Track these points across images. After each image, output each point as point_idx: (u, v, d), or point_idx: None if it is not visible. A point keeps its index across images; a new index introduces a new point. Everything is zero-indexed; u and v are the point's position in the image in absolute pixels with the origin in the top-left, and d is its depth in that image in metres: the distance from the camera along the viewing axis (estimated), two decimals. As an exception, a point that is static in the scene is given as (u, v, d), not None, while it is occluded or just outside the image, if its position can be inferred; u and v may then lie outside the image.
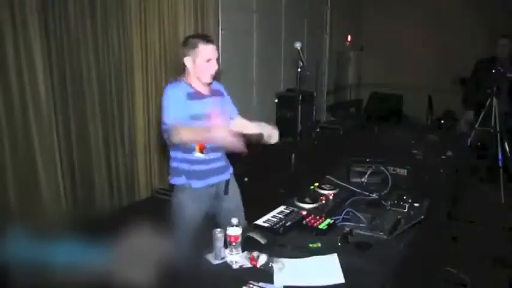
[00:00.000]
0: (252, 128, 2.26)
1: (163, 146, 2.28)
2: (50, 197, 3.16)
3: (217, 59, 2.16)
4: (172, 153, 2.27)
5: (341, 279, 1.51)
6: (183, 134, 1.99)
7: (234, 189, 2.42)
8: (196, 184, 2.21)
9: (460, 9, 6.73)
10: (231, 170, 2.39)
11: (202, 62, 2.09)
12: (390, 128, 6.67)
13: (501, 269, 2.96)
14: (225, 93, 2.37)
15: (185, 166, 2.21)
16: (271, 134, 2.25)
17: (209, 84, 2.22)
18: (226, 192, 2.34)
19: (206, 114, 2.07)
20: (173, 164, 2.28)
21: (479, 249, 3.27)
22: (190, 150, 2.17)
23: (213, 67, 2.12)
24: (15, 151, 2.96)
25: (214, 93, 2.26)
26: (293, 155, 4.15)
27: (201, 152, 2.17)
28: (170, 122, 2.02)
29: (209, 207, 2.32)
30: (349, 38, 7.55)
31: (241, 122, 2.33)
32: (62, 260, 2.17)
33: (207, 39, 2.12)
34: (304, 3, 6.54)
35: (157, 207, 3.86)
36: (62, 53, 3.26)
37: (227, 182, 2.34)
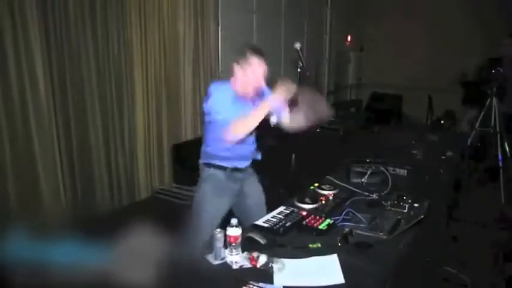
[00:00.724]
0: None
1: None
2: (50, 197, 3.16)
3: (265, 75, 2.19)
4: (209, 138, 2.29)
5: (341, 280, 1.51)
6: (237, 129, 2.04)
7: (258, 189, 2.44)
8: (226, 166, 2.26)
9: (460, 9, 6.72)
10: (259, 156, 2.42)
11: (251, 74, 2.14)
12: (390, 128, 6.68)
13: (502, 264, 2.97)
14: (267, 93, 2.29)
15: (220, 152, 2.25)
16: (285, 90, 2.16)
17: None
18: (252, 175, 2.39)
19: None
20: (206, 148, 2.31)
21: (479, 249, 3.27)
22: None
23: (260, 82, 2.16)
24: (15, 151, 2.96)
25: (258, 96, 2.24)
26: (293, 155, 4.15)
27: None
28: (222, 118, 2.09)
29: (234, 204, 2.34)
30: (349, 38, 7.55)
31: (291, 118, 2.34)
32: (62, 259, 2.17)
33: (260, 54, 2.17)
34: (304, 3, 6.54)
35: (157, 207, 3.87)
36: (62, 53, 3.26)
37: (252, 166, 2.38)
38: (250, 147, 2.35)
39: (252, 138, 2.34)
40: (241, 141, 2.17)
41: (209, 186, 2.28)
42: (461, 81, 5.69)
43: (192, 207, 2.31)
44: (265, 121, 2.20)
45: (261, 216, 2.05)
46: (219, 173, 2.27)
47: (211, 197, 2.26)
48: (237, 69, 2.17)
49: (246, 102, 2.19)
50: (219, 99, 2.13)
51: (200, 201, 2.29)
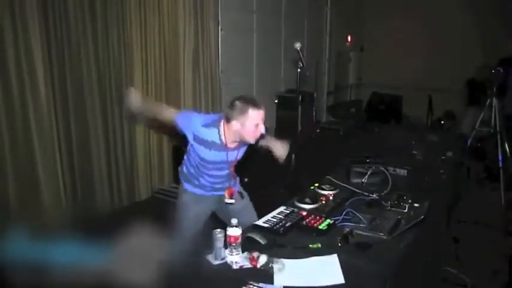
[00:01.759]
0: (264, 141, 2.31)
1: (177, 150, 2.36)
2: (50, 197, 3.16)
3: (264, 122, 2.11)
4: (187, 162, 2.31)
5: (341, 280, 1.51)
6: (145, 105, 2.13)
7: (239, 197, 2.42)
8: (201, 193, 2.30)
9: (460, 9, 6.72)
10: (237, 181, 2.39)
11: (252, 126, 2.01)
12: (390, 128, 6.67)
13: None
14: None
15: (195, 180, 2.28)
16: (281, 149, 2.32)
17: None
18: (242, 196, 2.38)
19: (219, 162, 2.16)
20: (184, 169, 2.34)
21: (479, 249, 3.27)
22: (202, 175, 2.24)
23: (261, 131, 2.07)
24: (15, 151, 2.96)
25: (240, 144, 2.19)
26: (293, 155, 4.15)
27: (231, 197, 2.22)
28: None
29: (215, 209, 2.38)
30: (349, 38, 7.55)
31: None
32: (62, 259, 2.17)
33: (257, 105, 2.04)
34: (304, 3, 6.54)
35: (157, 207, 3.86)
36: (62, 53, 3.26)
37: (238, 192, 2.36)
38: (224, 178, 2.29)
39: (226, 171, 2.26)
40: (215, 176, 2.22)
41: (187, 197, 2.31)
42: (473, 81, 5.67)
43: (175, 213, 2.33)
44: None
45: (250, 218, 2.08)
46: (196, 190, 2.30)
47: (191, 205, 2.29)
48: (236, 125, 2.02)
49: (224, 151, 2.13)
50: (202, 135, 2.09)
51: (180, 208, 2.32)
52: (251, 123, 2.00)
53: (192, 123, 2.08)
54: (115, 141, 3.77)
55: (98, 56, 3.52)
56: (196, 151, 2.14)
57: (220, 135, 2.07)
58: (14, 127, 2.96)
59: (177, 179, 4.20)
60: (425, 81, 6.89)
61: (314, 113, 6.08)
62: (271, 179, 2.39)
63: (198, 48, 4.36)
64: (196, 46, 4.34)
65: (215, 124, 2.08)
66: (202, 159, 2.15)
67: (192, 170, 2.27)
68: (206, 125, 2.07)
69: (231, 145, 2.12)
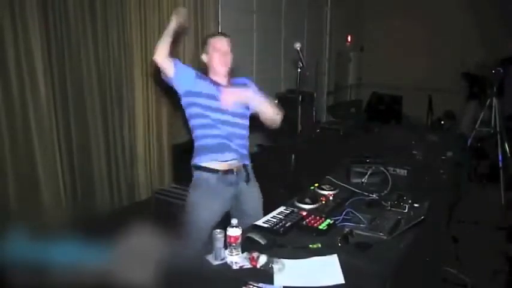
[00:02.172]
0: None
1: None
2: (50, 197, 3.16)
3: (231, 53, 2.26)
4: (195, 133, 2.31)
5: (341, 280, 1.51)
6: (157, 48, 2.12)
7: (255, 195, 2.38)
8: (216, 157, 2.22)
9: (460, 9, 6.72)
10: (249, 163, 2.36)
11: (214, 52, 2.22)
12: (390, 128, 6.67)
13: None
14: (250, 84, 2.42)
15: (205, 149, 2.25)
16: (269, 109, 2.35)
17: (228, 78, 2.30)
18: (247, 179, 2.30)
19: (214, 95, 2.18)
20: (196, 145, 2.31)
21: (479, 249, 3.27)
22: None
23: (225, 57, 2.22)
24: (15, 151, 2.96)
25: (233, 86, 2.31)
26: (293, 155, 4.15)
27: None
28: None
29: (230, 207, 2.30)
30: (349, 38, 7.55)
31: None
32: (62, 260, 2.17)
33: (218, 34, 2.28)
34: (304, 3, 6.54)
35: (157, 207, 3.86)
36: (62, 53, 3.26)
37: (245, 168, 2.30)
38: (239, 139, 2.27)
39: (241, 132, 2.29)
40: (227, 123, 2.20)
41: (200, 192, 2.23)
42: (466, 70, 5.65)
43: (186, 211, 2.27)
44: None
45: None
46: (210, 177, 2.22)
47: (203, 203, 2.21)
48: (204, 58, 2.27)
49: (218, 85, 2.23)
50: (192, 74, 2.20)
51: (192, 206, 2.24)
52: (213, 50, 2.21)
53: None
54: (115, 141, 3.77)
55: (98, 56, 3.52)
56: (190, 89, 2.20)
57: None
58: (14, 127, 2.96)
59: (177, 179, 4.23)
60: (425, 81, 6.89)
61: (314, 113, 6.08)
62: (271, 179, 2.39)
63: (198, 48, 4.36)
64: (197, 46, 4.34)
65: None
66: (200, 103, 2.18)
67: (200, 132, 2.24)
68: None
69: (221, 81, 2.25)
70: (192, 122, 2.26)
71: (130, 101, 3.85)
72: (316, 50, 6.83)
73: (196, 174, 2.27)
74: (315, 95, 6.04)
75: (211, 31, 4.46)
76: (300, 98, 4.74)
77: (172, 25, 2.17)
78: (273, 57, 5.94)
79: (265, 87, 6.01)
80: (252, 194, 2.37)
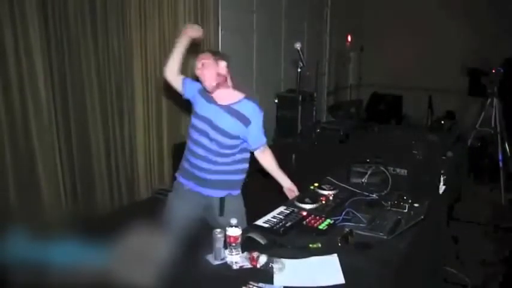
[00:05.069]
0: (274, 173, 2.32)
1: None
2: (50, 197, 3.16)
3: (218, 72, 2.10)
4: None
5: (341, 280, 1.51)
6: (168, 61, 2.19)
7: (236, 209, 2.22)
8: (181, 180, 2.25)
9: (460, 10, 6.73)
10: (233, 192, 2.25)
11: (197, 71, 2.12)
12: (390, 128, 6.68)
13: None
14: (251, 121, 2.13)
15: (184, 162, 2.27)
16: (290, 188, 2.31)
17: (227, 95, 2.16)
18: (221, 212, 2.19)
19: (205, 117, 2.15)
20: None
21: (479, 249, 3.27)
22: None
23: (204, 70, 2.08)
24: (15, 151, 2.96)
25: (231, 111, 2.12)
26: (293, 155, 4.15)
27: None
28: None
29: (201, 216, 2.27)
30: (349, 38, 7.55)
31: (266, 159, 2.29)
32: (62, 259, 2.17)
33: (209, 52, 2.15)
34: (304, 3, 6.54)
35: (157, 207, 3.86)
36: (62, 53, 3.26)
37: (222, 200, 2.19)
38: (211, 164, 2.15)
39: (215, 158, 2.15)
40: (195, 152, 2.16)
41: (174, 193, 2.30)
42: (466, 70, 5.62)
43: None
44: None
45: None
46: (183, 183, 2.25)
47: (176, 201, 2.27)
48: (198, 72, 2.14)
49: (209, 102, 2.16)
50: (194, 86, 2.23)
51: (167, 205, 2.30)
52: (196, 68, 2.11)
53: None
54: (115, 141, 3.77)
55: (98, 56, 3.52)
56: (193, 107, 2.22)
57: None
58: (14, 127, 2.96)
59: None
60: (425, 81, 6.89)
61: (314, 113, 6.09)
62: (271, 178, 2.40)
63: (198, 48, 4.35)
64: (197, 46, 4.34)
65: None
66: (192, 122, 2.19)
67: (185, 152, 2.26)
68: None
69: (217, 98, 2.15)
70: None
71: (130, 100, 3.85)
72: (316, 50, 6.83)
73: (177, 174, 2.32)
74: (315, 95, 6.05)
75: (211, 31, 4.47)
76: (300, 98, 4.75)
77: (183, 42, 2.17)
78: (273, 57, 5.94)
79: (265, 87, 6.06)
80: (228, 215, 2.01)
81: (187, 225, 2.21)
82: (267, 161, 2.30)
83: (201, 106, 2.18)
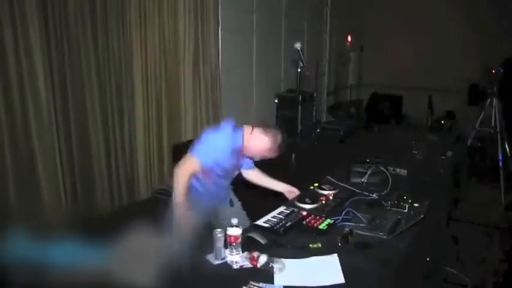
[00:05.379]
0: (265, 183, 2.40)
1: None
2: (50, 197, 3.16)
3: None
4: None
5: (341, 280, 1.51)
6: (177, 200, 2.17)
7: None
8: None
9: (460, 10, 6.73)
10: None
11: (263, 147, 2.13)
12: (390, 128, 6.68)
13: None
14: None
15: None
16: (290, 190, 2.36)
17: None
18: (231, 203, 2.41)
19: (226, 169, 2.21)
20: None
21: (479, 249, 3.27)
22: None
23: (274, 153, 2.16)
24: (15, 151, 2.96)
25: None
26: (293, 155, 4.16)
27: None
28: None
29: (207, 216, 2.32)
30: (349, 38, 7.55)
31: (257, 176, 2.43)
32: (62, 260, 2.17)
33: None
34: (304, 3, 6.54)
35: (157, 207, 3.86)
36: (62, 53, 3.26)
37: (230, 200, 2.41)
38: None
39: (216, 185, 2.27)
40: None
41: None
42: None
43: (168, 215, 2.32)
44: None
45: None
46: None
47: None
48: (261, 136, 2.12)
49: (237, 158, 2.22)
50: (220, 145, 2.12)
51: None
52: (272, 144, 2.12)
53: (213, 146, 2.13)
54: (115, 141, 3.77)
55: (98, 56, 3.51)
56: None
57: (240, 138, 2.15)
58: (14, 127, 2.95)
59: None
60: (425, 81, 6.89)
61: (314, 113, 6.09)
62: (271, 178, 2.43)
63: (198, 48, 4.36)
64: (197, 46, 4.34)
65: (237, 125, 2.17)
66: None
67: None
68: (230, 133, 2.13)
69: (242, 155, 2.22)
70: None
71: (130, 100, 3.85)
72: (316, 50, 6.83)
73: None
74: (315, 95, 6.05)
75: (211, 31, 4.47)
76: (300, 98, 4.76)
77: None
78: (273, 57, 5.94)
79: (265, 87, 6.06)
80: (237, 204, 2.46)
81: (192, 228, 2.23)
82: (259, 175, 2.43)
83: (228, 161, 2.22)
